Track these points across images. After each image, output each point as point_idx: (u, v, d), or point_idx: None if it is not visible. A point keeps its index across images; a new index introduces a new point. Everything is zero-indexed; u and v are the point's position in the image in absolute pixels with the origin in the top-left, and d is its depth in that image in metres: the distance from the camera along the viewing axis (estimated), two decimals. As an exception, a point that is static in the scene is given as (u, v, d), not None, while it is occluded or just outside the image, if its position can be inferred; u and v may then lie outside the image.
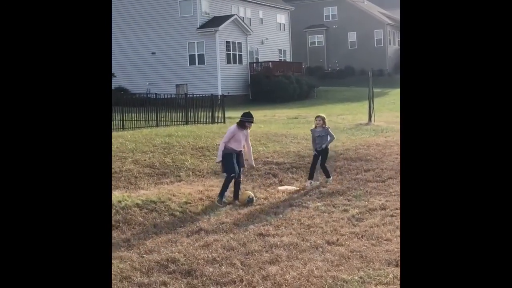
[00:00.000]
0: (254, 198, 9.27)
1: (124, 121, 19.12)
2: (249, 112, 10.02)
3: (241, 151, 9.72)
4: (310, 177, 10.68)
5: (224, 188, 9.31)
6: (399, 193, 9.36)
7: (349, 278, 5.41)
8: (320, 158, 10.76)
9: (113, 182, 10.01)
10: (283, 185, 10.59)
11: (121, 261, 6.07)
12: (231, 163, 9.42)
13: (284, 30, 46.29)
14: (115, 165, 11.18)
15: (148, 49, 38.95)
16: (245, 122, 9.68)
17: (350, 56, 54.47)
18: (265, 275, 5.58)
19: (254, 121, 9.96)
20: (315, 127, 10.94)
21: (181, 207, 8.59)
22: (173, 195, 9.12)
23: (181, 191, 9.51)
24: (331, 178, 10.80)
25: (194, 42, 38.16)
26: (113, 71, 33.73)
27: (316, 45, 57.60)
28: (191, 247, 6.63)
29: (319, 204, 8.95)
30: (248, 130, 9.90)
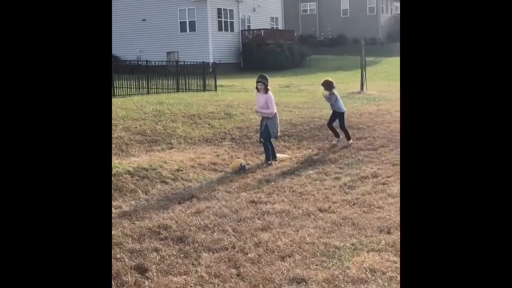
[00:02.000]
0: (246, 165, 9.19)
1: (115, 88, 18.95)
2: (261, 74, 10.20)
3: (268, 116, 9.85)
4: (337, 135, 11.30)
5: (265, 151, 9.81)
6: (390, 161, 9.38)
7: (341, 245, 5.42)
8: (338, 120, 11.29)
9: (104, 149, 9.94)
10: (275, 153, 10.56)
11: (113, 228, 6.05)
12: (260, 127, 10.06)
13: (276, -3, 45.84)
14: (106, 132, 11.10)
15: (139, 16, 38.48)
16: (256, 84, 9.93)
17: (342, 25, 54.13)
18: (257, 241, 5.58)
19: (265, 82, 9.87)
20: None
21: (173, 174, 8.55)
22: (165, 162, 9.08)
23: (173, 158, 9.46)
24: (351, 140, 11.20)
25: (185, 9, 37.70)
26: (103, 37, 33.35)
27: (309, 13, 57.12)
28: (183, 214, 6.61)
29: (311, 172, 8.94)
30: (269, 94, 9.88)
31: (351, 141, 11.11)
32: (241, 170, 8.90)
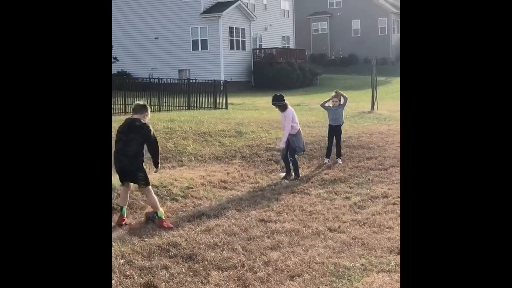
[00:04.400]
0: (155, 217, 7.14)
1: (127, 105, 19.03)
2: (275, 95, 10.45)
3: (290, 133, 10.09)
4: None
5: (294, 167, 10.09)
6: (401, 182, 9.35)
7: (351, 265, 5.40)
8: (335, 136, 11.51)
9: (115, 166, 9.99)
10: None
11: (123, 244, 6.06)
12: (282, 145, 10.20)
13: (288, 16, 46.04)
14: (117, 149, 11.16)
15: (151, 34, 38.77)
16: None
17: (353, 44, 54.23)
18: (266, 260, 5.57)
19: (279, 102, 10.21)
20: (333, 105, 11.64)
21: (183, 192, 8.57)
22: (175, 180, 9.10)
23: (183, 175, 9.49)
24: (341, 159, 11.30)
25: (197, 27, 37.96)
26: (115, 55, 33.65)
27: (320, 32, 57.33)
28: (193, 231, 6.62)
29: (321, 191, 8.93)
30: (287, 112, 10.15)
31: (340, 160, 11.30)
32: (150, 221, 7.16)
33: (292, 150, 10.14)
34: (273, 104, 10.33)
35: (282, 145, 10.19)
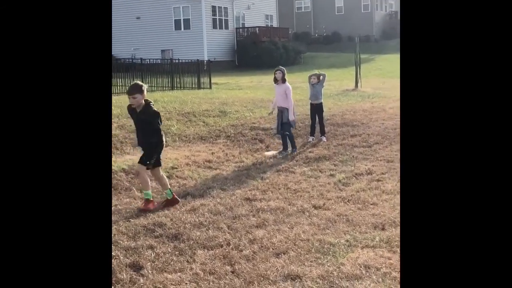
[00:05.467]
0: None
1: (111, 86, 18.91)
2: (279, 66, 10.90)
3: (282, 107, 10.31)
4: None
5: (291, 142, 10.35)
6: (385, 158, 9.41)
7: (336, 241, 5.44)
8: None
9: (98, 147, 9.94)
10: (270, 151, 10.58)
11: (108, 226, 6.04)
12: (277, 121, 10.45)
13: (271, -5, 45.78)
14: (101, 130, 11.09)
15: (133, 14, 38.38)
16: (274, 74, 10.49)
17: (337, 22, 54.12)
18: (252, 238, 5.59)
19: (282, 71, 10.51)
20: (311, 82, 11.77)
21: (168, 172, 8.54)
22: (160, 160, 9.05)
23: (168, 156, 9.46)
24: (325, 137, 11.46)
25: (179, 7, 37.61)
26: (97, 36, 33.24)
27: (303, 10, 57.09)
28: (178, 211, 6.62)
29: (305, 169, 8.96)
30: (287, 84, 10.41)
31: (325, 138, 11.43)
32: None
33: (287, 125, 10.31)
34: (279, 70, 10.47)
35: (292, 117, 10.33)
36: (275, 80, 10.52)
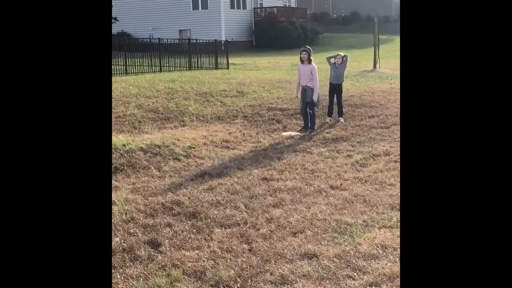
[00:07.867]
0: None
1: (127, 66, 18.98)
2: (304, 46, 10.99)
3: (307, 85, 10.45)
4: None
5: (311, 121, 10.41)
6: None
7: (353, 221, 5.45)
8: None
9: (117, 126, 10.01)
10: (287, 131, 10.58)
11: (126, 203, 6.11)
12: (301, 101, 10.63)
13: (289, -26, 45.38)
14: (119, 109, 11.16)
15: (151, -7, 38.32)
16: (300, 54, 10.58)
17: (355, 2, 53.54)
18: (269, 217, 5.62)
19: (308, 51, 10.55)
20: (336, 62, 11.70)
21: (185, 152, 8.59)
22: (177, 140, 9.12)
23: (185, 135, 9.50)
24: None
25: (197, -14, 37.48)
26: (115, 15, 33.31)
27: (322, -10, 56.55)
28: (196, 190, 6.66)
29: (323, 149, 8.95)
30: (312, 64, 10.51)
31: (342, 118, 11.39)
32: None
33: (311, 103, 10.41)
34: (305, 51, 10.50)
35: (316, 97, 10.43)
36: (301, 61, 10.57)
